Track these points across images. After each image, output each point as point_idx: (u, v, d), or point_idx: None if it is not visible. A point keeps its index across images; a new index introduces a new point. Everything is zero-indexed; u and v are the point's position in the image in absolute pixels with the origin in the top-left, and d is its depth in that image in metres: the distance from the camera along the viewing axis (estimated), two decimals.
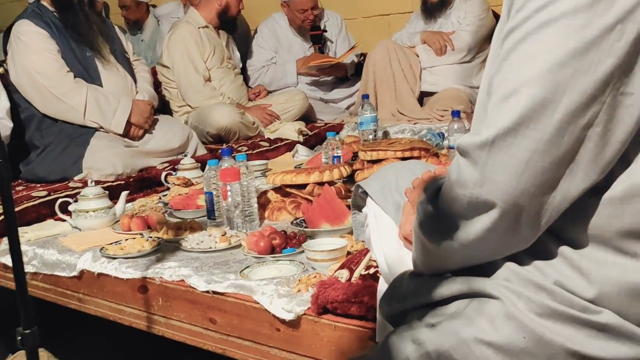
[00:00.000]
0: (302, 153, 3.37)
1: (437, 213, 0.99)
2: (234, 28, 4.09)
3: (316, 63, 4.21)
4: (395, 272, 1.26)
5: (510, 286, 0.95)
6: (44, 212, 2.59)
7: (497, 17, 4.09)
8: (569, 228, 0.92)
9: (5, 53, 3.21)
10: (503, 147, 0.86)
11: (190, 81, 3.79)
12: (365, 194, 1.44)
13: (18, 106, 3.12)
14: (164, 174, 2.91)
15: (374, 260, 1.46)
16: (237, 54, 4.21)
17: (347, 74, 4.45)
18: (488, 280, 0.98)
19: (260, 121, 3.80)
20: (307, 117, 4.08)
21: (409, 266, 1.25)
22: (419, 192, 1.17)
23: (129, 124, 3.16)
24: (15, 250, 1.38)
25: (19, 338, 1.38)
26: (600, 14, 0.82)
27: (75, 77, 3.12)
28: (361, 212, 1.51)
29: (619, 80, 0.84)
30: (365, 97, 3.25)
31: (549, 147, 0.84)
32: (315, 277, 1.65)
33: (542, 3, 0.84)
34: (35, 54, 3.06)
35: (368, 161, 2.65)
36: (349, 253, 1.77)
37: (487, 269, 0.99)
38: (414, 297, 1.08)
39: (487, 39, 4.06)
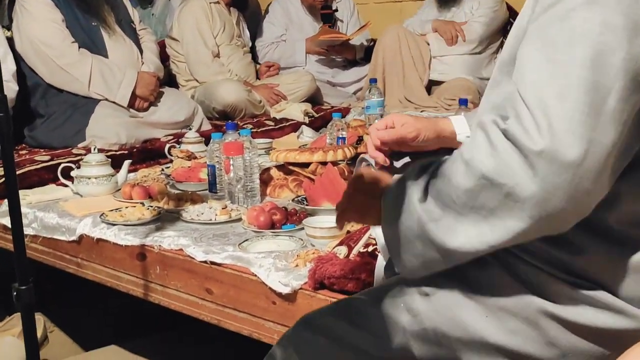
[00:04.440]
0: (307, 134, 3.35)
1: None
2: (245, 6, 4.08)
3: (326, 38, 4.18)
4: None
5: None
6: (46, 177, 2.59)
7: (510, 9, 4.06)
8: None
9: (11, 20, 3.18)
10: None
11: (199, 55, 3.77)
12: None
13: (24, 74, 3.10)
14: (167, 146, 2.90)
15: (374, 238, 1.46)
16: (247, 33, 4.19)
17: (355, 57, 4.42)
18: None
19: (267, 100, 3.79)
20: (314, 99, 4.06)
21: None
22: None
23: (134, 96, 3.14)
24: (13, 202, 1.37)
25: (15, 294, 1.37)
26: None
27: (80, 47, 3.08)
28: None
29: None
30: (373, 81, 3.24)
31: None
32: (313, 253, 1.65)
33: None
34: (40, 23, 3.03)
35: None
36: (348, 232, 1.76)
37: None
38: None
39: (499, 31, 4.04)
